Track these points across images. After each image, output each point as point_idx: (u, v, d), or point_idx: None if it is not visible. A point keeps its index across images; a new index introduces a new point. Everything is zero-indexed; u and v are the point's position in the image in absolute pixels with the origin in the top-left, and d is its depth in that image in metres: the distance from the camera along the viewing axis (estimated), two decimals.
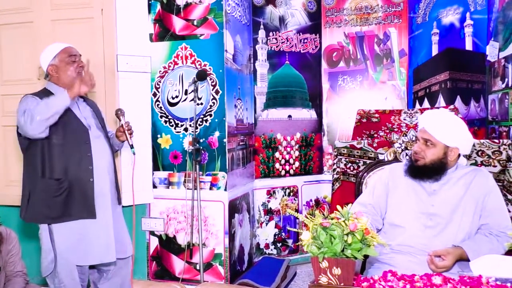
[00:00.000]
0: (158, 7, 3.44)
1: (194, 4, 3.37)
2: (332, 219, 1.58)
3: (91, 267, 2.56)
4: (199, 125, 3.36)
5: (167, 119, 3.44)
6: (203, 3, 3.35)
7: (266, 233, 4.04)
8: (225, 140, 3.32)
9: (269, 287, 3.28)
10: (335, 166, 2.86)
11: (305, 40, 4.22)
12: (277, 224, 4.07)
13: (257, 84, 4.02)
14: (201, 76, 3.10)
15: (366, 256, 1.96)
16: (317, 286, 1.57)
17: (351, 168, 2.80)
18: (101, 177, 2.46)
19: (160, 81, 3.44)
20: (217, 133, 3.34)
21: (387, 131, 3.13)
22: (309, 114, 4.24)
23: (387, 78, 4.18)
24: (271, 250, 4.05)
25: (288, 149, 4.15)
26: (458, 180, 2.14)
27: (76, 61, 2.46)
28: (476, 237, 2.07)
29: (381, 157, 2.70)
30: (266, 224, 4.03)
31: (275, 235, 4.06)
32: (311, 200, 4.25)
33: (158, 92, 3.45)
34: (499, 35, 3.23)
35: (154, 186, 3.46)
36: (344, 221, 1.55)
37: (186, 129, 3.40)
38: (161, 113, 3.45)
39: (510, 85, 3.05)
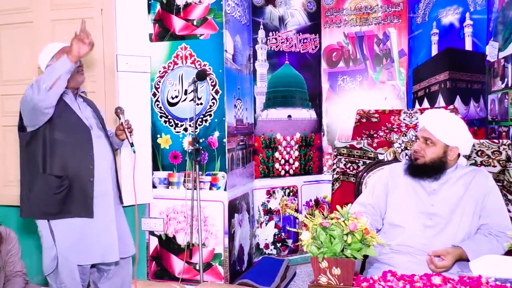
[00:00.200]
0: (158, 7, 3.43)
1: (193, 4, 3.37)
2: (331, 219, 1.58)
3: (92, 266, 2.56)
4: (199, 125, 3.36)
5: (166, 119, 3.43)
6: (202, 3, 3.35)
7: (266, 233, 4.04)
8: (224, 140, 3.32)
9: (268, 287, 3.28)
10: (334, 166, 2.86)
11: (305, 40, 4.22)
12: (277, 224, 4.07)
13: (256, 84, 4.02)
14: (201, 76, 3.10)
15: (365, 256, 1.96)
16: (316, 286, 1.57)
17: (351, 168, 2.80)
18: (104, 177, 2.46)
19: (159, 81, 3.44)
20: (216, 133, 3.34)
21: (387, 131, 3.13)
22: (308, 114, 4.25)
23: (386, 78, 4.18)
24: (271, 250, 4.05)
25: (288, 149, 4.15)
26: (458, 180, 2.14)
27: None
28: (475, 237, 2.07)
29: (380, 157, 2.70)
30: (266, 224, 4.04)
31: (274, 235, 4.06)
32: (310, 200, 4.25)
33: (158, 92, 3.45)
34: (498, 35, 3.23)
35: (154, 186, 3.47)
36: (343, 221, 1.55)
37: (185, 129, 3.40)
38: (160, 113, 3.45)
39: (509, 85, 3.05)
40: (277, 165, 4.09)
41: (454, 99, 3.71)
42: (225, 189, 3.33)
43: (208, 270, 3.36)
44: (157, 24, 3.44)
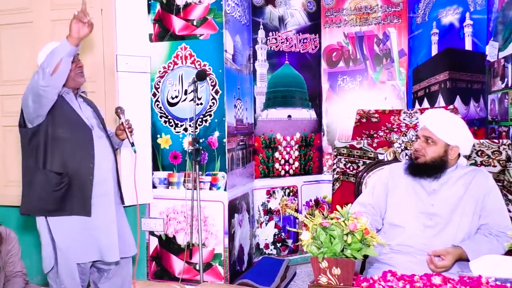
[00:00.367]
0: (158, 7, 3.44)
1: (193, 4, 3.37)
2: (331, 219, 1.58)
3: (92, 266, 2.56)
4: (199, 125, 3.36)
5: (166, 119, 3.44)
6: (202, 3, 3.35)
7: (266, 233, 4.04)
8: (224, 140, 3.32)
9: (268, 287, 3.27)
10: (334, 166, 2.86)
11: (305, 40, 4.22)
12: (277, 224, 4.07)
13: (256, 84, 4.02)
14: (201, 76, 3.10)
15: (365, 256, 1.96)
16: (316, 286, 1.57)
17: (351, 168, 2.80)
18: (105, 177, 2.45)
19: (159, 81, 3.44)
20: (216, 133, 3.34)
21: (387, 131, 3.13)
22: (308, 114, 4.25)
23: (386, 78, 4.18)
24: (271, 250, 4.05)
25: (288, 149, 4.15)
26: (458, 180, 2.14)
27: (74, 61, 2.45)
28: (475, 237, 2.07)
29: (380, 157, 2.70)
30: (266, 224, 4.03)
31: (274, 235, 4.06)
32: (310, 200, 4.25)
33: (158, 92, 3.45)
34: (498, 35, 3.23)
35: (154, 186, 3.47)
36: (343, 221, 1.55)
37: (185, 129, 3.40)
38: (160, 113, 3.45)
39: (509, 85, 3.05)
40: (277, 165, 4.09)
41: (454, 99, 3.71)
42: (225, 189, 3.33)
43: (208, 270, 3.36)
44: (157, 24, 3.44)
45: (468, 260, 1.89)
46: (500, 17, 3.22)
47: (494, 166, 2.48)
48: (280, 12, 4.12)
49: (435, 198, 2.13)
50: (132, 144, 2.61)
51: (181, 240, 3.41)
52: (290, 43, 4.15)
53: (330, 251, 1.53)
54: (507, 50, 3.09)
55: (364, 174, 2.63)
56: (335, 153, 2.86)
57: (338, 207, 1.61)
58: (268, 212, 4.04)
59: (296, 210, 4.14)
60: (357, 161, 2.78)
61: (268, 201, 4.05)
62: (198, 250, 3.18)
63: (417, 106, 4.08)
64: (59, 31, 3.24)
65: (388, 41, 4.16)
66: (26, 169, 2.42)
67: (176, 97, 3.41)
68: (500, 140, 2.52)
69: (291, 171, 4.16)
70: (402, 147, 2.65)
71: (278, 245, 4.07)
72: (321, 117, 4.32)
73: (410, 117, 3.16)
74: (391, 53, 4.16)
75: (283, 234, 4.09)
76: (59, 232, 2.37)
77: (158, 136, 3.45)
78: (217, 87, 3.33)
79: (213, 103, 3.34)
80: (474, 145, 2.47)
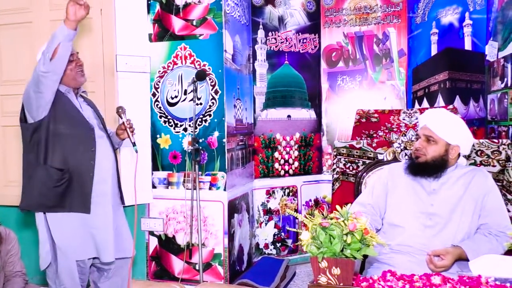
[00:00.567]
0: (157, 7, 3.43)
1: (193, 4, 3.37)
2: (331, 219, 1.58)
3: (91, 265, 2.56)
4: (199, 125, 3.36)
5: (166, 119, 3.43)
6: (202, 3, 3.35)
7: (266, 233, 4.04)
8: (224, 140, 3.32)
9: (268, 287, 3.28)
10: (334, 166, 2.86)
11: (304, 40, 4.22)
12: (277, 224, 4.07)
13: (256, 84, 4.02)
14: (201, 76, 3.09)
15: (365, 256, 1.96)
16: (316, 286, 1.57)
17: (351, 168, 2.80)
18: (104, 177, 2.45)
19: (159, 81, 3.44)
20: (216, 133, 3.34)
21: (386, 131, 3.13)
22: (308, 114, 4.25)
23: (386, 78, 4.18)
24: (271, 250, 4.05)
25: (288, 149, 4.15)
26: (458, 180, 2.14)
27: (73, 60, 2.45)
28: (475, 237, 2.07)
29: (380, 157, 2.70)
30: (266, 224, 4.03)
31: (274, 235, 4.06)
32: (310, 200, 4.25)
33: (158, 92, 3.45)
34: (498, 34, 3.24)
35: (154, 186, 3.47)
36: (343, 221, 1.55)
37: (185, 129, 3.40)
38: (160, 113, 3.45)
39: (509, 84, 3.05)
40: (276, 165, 4.09)
41: (454, 99, 3.72)
42: (224, 189, 3.33)
43: (208, 270, 3.36)
44: (156, 24, 3.44)
45: (467, 260, 1.89)
46: (500, 17, 3.22)
47: (494, 166, 2.48)
48: (280, 12, 4.12)
49: (435, 198, 2.13)
50: (134, 144, 2.61)
51: (181, 240, 3.41)
52: (289, 43, 4.15)
53: (329, 251, 1.53)
54: (506, 50, 3.09)
55: (364, 174, 2.63)
56: (335, 153, 2.86)
57: (337, 207, 1.61)
58: (268, 212, 4.04)
59: (296, 210, 4.14)
60: (356, 161, 2.78)
61: (268, 201, 4.05)
62: (197, 250, 3.18)
63: (416, 106, 4.08)
64: None
65: (388, 41, 4.17)
66: (27, 164, 2.41)
67: (176, 97, 3.41)
68: (500, 140, 2.52)
69: (290, 171, 4.16)
70: (402, 147, 2.65)
71: (278, 245, 4.07)
72: (320, 117, 4.32)
73: (410, 117, 3.16)
74: (391, 53, 4.16)
75: (282, 234, 4.09)
76: (58, 229, 2.37)
77: (158, 136, 3.45)
78: (216, 87, 3.33)
79: (212, 103, 3.34)
80: (473, 145, 2.47)
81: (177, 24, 3.41)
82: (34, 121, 2.34)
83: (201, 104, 3.36)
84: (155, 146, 3.46)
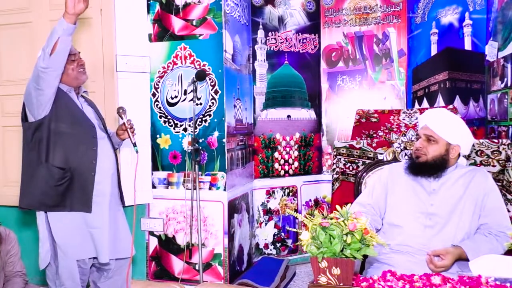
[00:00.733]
0: (157, 7, 3.43)
1: (193, 4, 3.37)
2: (331, 219, 1.58)
3: (91, 266, 2.55)
4: (198, 125, 3.36)
5: (166, 119, 3.43)
6: (202, 3, 3.35)
7: (266, 233, 4.04)
8: (224, 140, 3.32)
9: (268, 287, 3.27)
10: (334, 166, 2.86)
11: (304, 40, 4.22)
12: (277, 224, 4.07)
13: (256, 84, 4.02)
14: (200, 76, 3.09)
15: (365, 256, 1.96)
16: (316, 286, 1.57)
17: (350, 168, 2.80)
18: (104, 178, 2.45)
19: (159, 81, 3.44)
20: (216, 133, 3.34)
21: (386, 131, 3.13)
22: (308, 114, 4.25)
23: (386, 78, 4.18)
24: (271, 250, 4.05)
25: (287, 149, 4.15)
26: (458, 180, 2.14)
27: (75, 60, 2.44)
28: (475, 237, 2.07)
29: (380, 157, 2.70)
30: (266, 224, 4.03)
31: (274, 235, 4.06)
32: (310, 200, 4.25)
33: (157, 92, 3.45)
34: (498, 34, 3.24)
35: (153, 186, 3.46)
36: (343, 221, 1.55)
37: (185, 129, 3.40)
38: (160, 113, 3.45)
39: (509, 84, 3.05)
40: (276, 165, 4.09)
41: (454, 99, 3.72)
42: (224, 189, 3.33)
43: (208, 270, 3.36)
44: (156, 24, 3.44)
45: (467, 260, 1.89)
46: (500, 17, 3.22)
47: (494, 166, 2.48)
48: (280, 12, 4.12)
49: (435, 198, 2.13)
50: (134, 145, 2.61)
51: (181, 240, 3.41)
52: (289, 43, 4.15)
53: (329, 251, 1.53)
54: (506, 50, 3.09)
55: (364, 174, 2.63)
56: (335, 153, 2.86)
57: (337, 207, 1.61)
58: (268, 212, 4.04)
59: (296, 210, 4.14)
60: (356, 161, 2.78)
61: (268, 201, 4.05)
62: (197, 250, 3.18)
63: (416, 106, 4.08)
64: None
65: (388, 41, 4.17)
66: (28, 163, 2.40)
67: (176, 97, 3.41)
68: (500, 140, 2.52)
69: (290, 171, 4.16)
70: (402, 147, 2.65)
71: (278, 245, 4.07)
72: (320, 117, 4.32)
73: (410, 117, 3.16)
74: (391, 53, 4.16)
75: (282, 234, 4.09)
76: (58, 228, 2.37)
77: (158, 136, 3.45)
78: (216, 87, 3.33)
79: (212, 103, 3.34)
80: (473, 145, 2.47)
81: (177, 24, 3.41)
82: (35, 120, 2.34)
83: (201, 104, 3.36)
84: (155, 146, 3.46)
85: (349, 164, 2.80)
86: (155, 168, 3.46)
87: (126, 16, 3.34)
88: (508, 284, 1.53)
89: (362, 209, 2.20)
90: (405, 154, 2.61)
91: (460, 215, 2.08)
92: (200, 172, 3.32)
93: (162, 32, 3.43)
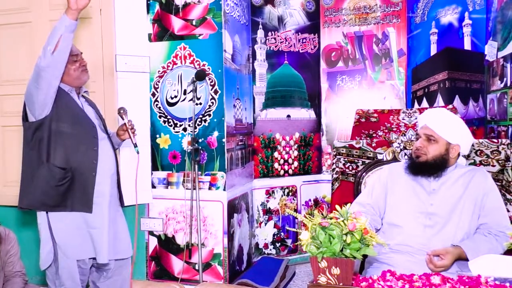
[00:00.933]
0: (157, 7, 3.43)
1: (192, 4, 3.37)
2: (331, 218, 1.58)
3: (91, 266, 2.55)
4: (198, 125, 3.36)
5: (166, 119, 3.43)
6: (201, 3, 3.35)
7: (265, 233, 4.04)
8: (224, 140, 3.32)
9: (268, 287, 3.28)
10: (334, 166, 2.86)
11: (304, 40, 4.22)
12: (276, 224, 4.07)
13: (256, 84, 4.02)
14: (200, 76, 3.09)
15: (365, 256, 1.96)
16: (316, 286, 1.57)
17: (350, 168, 2.80)
18: (104, 178, 2.44)
19: (159, 81, 3.44)
20: (216, 133, 3.34)
21: (386, 130, 3.13)
22: (308, 114, 4.25)
23: (385, 78, 4.18)
24: (270, 250, 4.05)
25: (287, 149, 4.15)
26: (457, 180, 2.14)
27: (77, 60, 2.44)
28: (475, 236, 2.07)
29: (379, 156, 2.70)
30: (265, 224, 4.04)
31: (274, 235, 4.06)
32: (310, 200, 4.25)
33: (157, 92, 3.45)
34: (497, 34, 3.24)
35: (153, 186, 3.46)
36: (343, 221, 1.55)
37: (185, 129, 3.40)
38: (160, 113, 3.45)
39: (508, 84, 3.05)
40: (276, 165, 4.09)
41: (453, 98, 3.72)
42: (224, 189, 3.33)
43: (208, 270, 3.36)
44: (156, 24, 3.44)
45: (467, 260, 1.90)
46: (499, 16, 3.22)
47: (493, 166, 2.48)
48: (279, 12, 4.12)
49: (435, 198, 2.13)
50: (135, 145, 2.61)
51: (181, 240, 3.41)
52: (289, 43, 4.15)
53: (329, 250, 1.53)
54: (506, 50, 3.09)
55: (363, 174, 2.63)
56: (334, 153, 2.87)
57: (337, 206, 1.61)
58: (268, 212, 4.04)
59: (296, 210, 4.14)
60: (356, 160, 2.78)
61: (268, 201, 4.05)
62: (197, 250, 3.18)
63: (416, 105, 4.08)
64: None
65: (387, 41, 4.17)
66: (28, 162, 2.39)
67: (175, 97, 3.41)
68: (499, 140, 2.52)
69: (290, 171, 4.16)
70: (401, 147, 2.65)
71: (278, 245, 4.08)
72: (320, 117, 4.32)
73: (409, 116, 3.16)
74: (390, 52, 4.16)
75: (282, 234, 4.09)
76: (59, 228, 2.37)
77: (157, 136, 3.45)
78: (216, 87, 3.33)
79: (212, 103, 3.34)
80: (473, 145, 2.47)
81: (176, 24, 3.41)
82: (36, 119, 2.33)
83: (200, 104, 3.36)
84: (154, 146, 3.46)
85: (348, 164, 2.80)
86: (154, 168, 3.46)
87: (125, 16, 3.33)
88: (507, 284, 1.53)
89: (362, 209, 2.21)
90: (405, 154, 2.61)
91: (459, 215, 2.09)
92: (199, 172, 3.32)
93: (162, 32, 3.43)
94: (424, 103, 4.00)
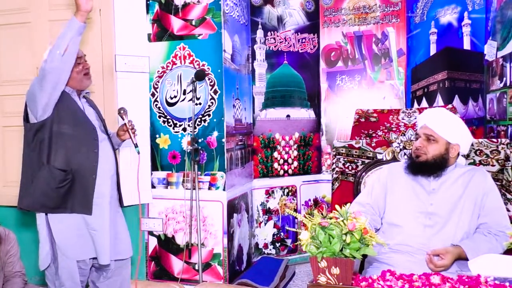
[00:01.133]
0: (156, 7, 3.43)
1: (192, 4, 3.37)
2: (330, 218, 1.58)
3: (91, 266, 2.55)
4: (198, 125, 3.36)
5: (165, 119, 3.43)
6: (201, 3, 3.35)
7: (265, 233, 4.04)
8: (223, 140, 3.32)
9: (267, 287, 3.28)
10: (333, 166, 2.86)
11: (303, 40, 4.22)
12: (276, 224, 4.07)
13: (255, 84, 4.02)
14: (200, 76, 3.10)
15: (364, 256, 1.96)
16: (316, 285, 1.57)
17: (350, 167, 2.80)
18: (104, 179, 2.44)
19: (158, 81, 3.44)
20: (215, 133, 3.34)
21: (386, 130, 3.13)
22: (307, 113, 4.25)
23: (385, 78, 4.18)
24: (270, 250, 4.05)
25: (287, 148, 4.15)
26: (457, 179, 2.14)
27: (81, 63, 2.44)
28: (474, 236, 2.07)
29: (379, 156, 2.70)
30: (265, 224, 4.04)
31: (273, 235, 4.06)
32: (309, 200, 4.25)
33: (157, 92, 3.45)
34: (497, 34, 3.24)
35: (153, 186, 3.46)
36: (342, 221, 1.55)
37: (184, 129, 3.40)
38: (159, 113, 3.45)
39: (508, 84, 3.05)
40: (276, 165, 4.09)
41: (453, 98, 3.72)
42: (224, 189, 3.33)
43: (207, 270, 3.36)
44: (155, 24, 3.44)
45: (467, 259, 1.90)
46: (499, 16, 3.22)
47: (493, 166, 2.49)
48: (279, 12, 4.12)
49: (434, 198, 2.13)
50: (136, 146, 2.61)
51: (180, 240, 3.41)
52: (288, 43, 4.15)
53: (329, 250, 1.53)
54: (505, 49, 3.09)
55: (363, 174, 2.63)
56: (334, 153, 2.87)
57: (337, 206, 1.61)
58: (267, 211, 4.04)
59: (295, 210, 4.14)
60: (356, 160, 2.78)
61: (267, 201, 4.05)
62: (197, 250, 3.18)
63: (415, 105, 4.08)
64: (57, 32, 3.20)
65: (387, 41, 4.17)
66: (29, 163, 2.39)
67: (175, 97, 3.41)
68: (499, 140, 2.52)
69: (290, 171, 4.16)
70: (401, 147, 2.65)
71: (277, 244, 4.08)
72: (319, 116, 4.32)
73: (409, 116, 3.16)
74: (390, 52, 4.16)
75: (282, 233, 4.09)
76: (59, 230, 2.36)
77: (157, 136, 3.45)
78: (215, 87, 3.33)
79: (212, 103, 3.34)
80: (472, 145, 2.47)
81: (176, 24, 3.41)
82: (37, 121, 2.33)
83: (200, 104, 3.36)
84: (154, 146, 3.46)
85: (348, 164, 2.80)
86: (154, 168, 3.46)
87: (125, 16, 3.33)
88: (507, 284, 1.53)
89: (362, 209, 2.21)
90: (404, 154, 2.61)
91: (459, 215, 2.09)
92: (199, 172, 3.32)
93: (161, 32, 3.43)
94: (424, 103, 4.00)
